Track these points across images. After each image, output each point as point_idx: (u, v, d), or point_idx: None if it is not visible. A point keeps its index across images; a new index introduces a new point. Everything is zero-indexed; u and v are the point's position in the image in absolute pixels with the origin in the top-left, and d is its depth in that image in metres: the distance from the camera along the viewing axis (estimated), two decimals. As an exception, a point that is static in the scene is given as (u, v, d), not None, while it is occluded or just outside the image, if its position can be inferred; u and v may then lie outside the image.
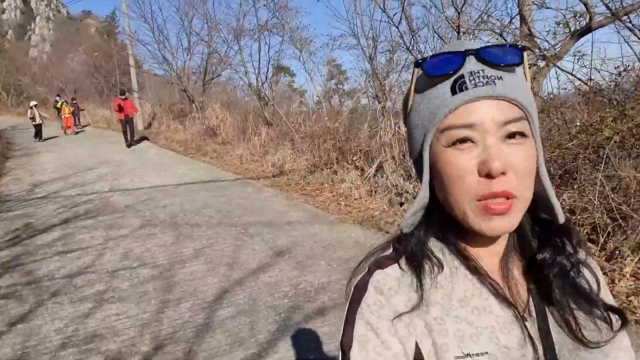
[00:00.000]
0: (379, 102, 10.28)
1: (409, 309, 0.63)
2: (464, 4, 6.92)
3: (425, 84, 0.64)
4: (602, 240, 4.03)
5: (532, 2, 6.60)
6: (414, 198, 5.98)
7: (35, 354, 3.19)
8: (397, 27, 7.98)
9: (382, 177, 6.85)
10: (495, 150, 0.57)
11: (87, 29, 66.86)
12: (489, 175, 0.58)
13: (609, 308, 0.68)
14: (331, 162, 8.16)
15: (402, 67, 9.61)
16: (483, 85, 0.59)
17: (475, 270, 0.66)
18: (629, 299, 3.42)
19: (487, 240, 0.66)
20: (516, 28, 7.29)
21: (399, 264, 0.68)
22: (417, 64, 0.64)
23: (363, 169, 7.41)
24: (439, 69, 0.62)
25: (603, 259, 3.90)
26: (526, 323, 0.64)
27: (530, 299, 0.67)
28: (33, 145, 15.97)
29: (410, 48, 7.84)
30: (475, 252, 0.68)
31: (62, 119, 20.04)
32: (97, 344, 3.28)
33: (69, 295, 4.09)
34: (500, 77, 0.60)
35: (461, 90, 0.59)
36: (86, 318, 3.67)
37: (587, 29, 5.61)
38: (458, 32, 7.66)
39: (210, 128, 14.40)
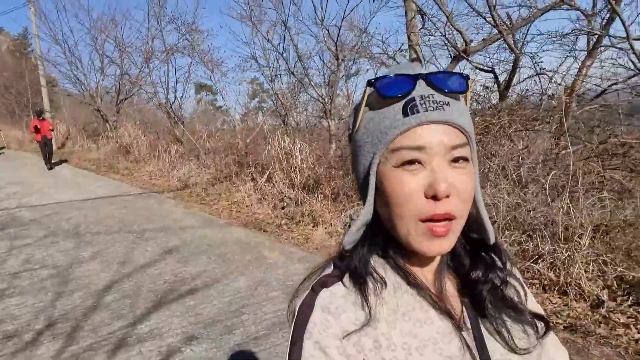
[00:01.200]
0: (282, 120, 11.29)
1: (357, 327, 0.65)
2: (337, 38, 8.05)
3: (376, 104, 0.66)
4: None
5: (419, 29, 7.73)
6: (284, 204, 6.89)
7: (-60, 336, 3.79)
8: (282, 54, 9.02)
9: (271, 186, 7.76)
10: (442, 174, 0.60)
11: (-1, 46, 63.61)
12: (434, 197, 0.60)
13: (535, 316, 0.75)
14: (230, 174, 9.00)
15: (297, 89, 10.66)
16: (433, 110, 0.61)
17: (415, 284, 0.69)
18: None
19: (424, 257, 0.69)
20: (400, 51, 8.52)
21: (342, 282, 0.69)
22: (370, 83, 0.66)
23: (257, 179, 8.30)
24: (392, 90, 0.64)
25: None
26: (463, 333, 0.68)
27: (464, 311, 0.71)
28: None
29: (294, 72, 8.89)
30: (412, 268, 0.71)
31: None
32: (1, 327, 3.93)
33: (-28, 293, 4.65)
34: (448, 102, 0.63)
35: (412, 112, 0.62)
36: (-12, 309, 4.28)
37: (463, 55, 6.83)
38: (337, 59, 8.82)
39: (123, 146, 14.80)
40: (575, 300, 3.68)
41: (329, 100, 8.61)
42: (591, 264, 3.75)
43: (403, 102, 0.63)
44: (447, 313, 0.68)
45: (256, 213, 7.14)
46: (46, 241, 6.33)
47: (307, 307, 0.68)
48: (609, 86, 6.20)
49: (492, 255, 0.75)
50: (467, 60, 6.79)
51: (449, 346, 0.66)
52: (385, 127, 0.63)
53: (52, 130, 15.01)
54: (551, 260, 3.97)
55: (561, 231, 4.09)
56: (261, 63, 11.00)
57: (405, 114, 0.62)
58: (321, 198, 6.57)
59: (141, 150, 13.87)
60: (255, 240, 6.01)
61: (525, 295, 0.77)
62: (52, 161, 14.45)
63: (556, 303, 3.74)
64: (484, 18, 6.33)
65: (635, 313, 3.39)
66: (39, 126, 13.97)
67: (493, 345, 0.69)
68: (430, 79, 0.64)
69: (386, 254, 0.71)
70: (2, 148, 21.66)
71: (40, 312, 4.17)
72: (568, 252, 3.86)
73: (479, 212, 0.69)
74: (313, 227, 6.12)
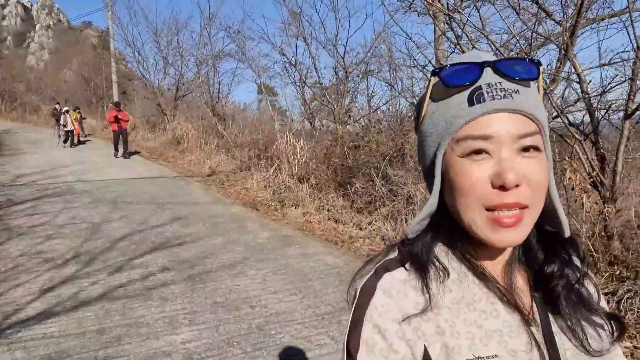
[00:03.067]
0: (309, 122, 12.72)
1: (418, 311, 0.65)
2: (344, 55, 9.39)
3: (441, 93, 0.65)
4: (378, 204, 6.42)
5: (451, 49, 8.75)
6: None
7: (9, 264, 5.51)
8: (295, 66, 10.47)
9: (274, 176, 9.21)
10: (510, 163, 0.59)
11: (87, 40, 69.12)
12: (502, 187, 0.59)
13: (610, 316, 0.71)
14: (250, 165, 10.54)
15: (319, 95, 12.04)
16: (501, 98, 0.60)
17: (482, 275, 0.68)
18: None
19: (493, 249, 0.67)
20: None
21: (405, 267, 0.69)
22: (434, 73, 0.65)
23: (269, 170, 9.78)
24: (457, 79, 0.63)
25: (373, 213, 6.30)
26: (531, 328, 0.66)
27: (534, 306, 0.69)
28: (21, 147, 18.20)
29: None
30: (480, 257, 0.70)
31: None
32: (44, 255, 5.59)
33: (29, 235, 6.40)
34: (517, 90, 0.61)
35: (479, 101, 0.61)
36: (38, 245, 5.98)
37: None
38: (345, 72, 10.14)
39: (175, 138, 16.77)
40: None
41: (336, 106, 9.93)
42: None
43: (469, 90, 0.62)
44: (515, 307, 0.67)
45: (258, 196, 8.61)
46: (90, 206, 8.09)
47: (369, 290, 0.68)
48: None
49: (569, 250, 0.72)
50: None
51: (515, 340, 0.65)
52: (450, 116, 0.63)
53: (127, 121, 15.76)
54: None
55: None
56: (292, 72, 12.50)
57: (471, 102, 0.61)
58: (307, 187, 7.94)
59: (190, 142, 15.74)
60: (246, 215, 7.49)
61: (599, 295, 0.75)
62: (128, 150, 15.24)
63: None
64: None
65: None
66: (119, 116, 14.95)
67: (564, 343, 0.67)
68: (498, 66, 0.63)
69: (452, 243, 0.70)
70: (89, 134, 24.37)
71: (72, 249, 5.80)
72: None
73: (552, 203, 0.67)
74: (295, 208, 7.50)
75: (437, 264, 0.69)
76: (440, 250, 0.71)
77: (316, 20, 10.74)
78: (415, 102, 8.73)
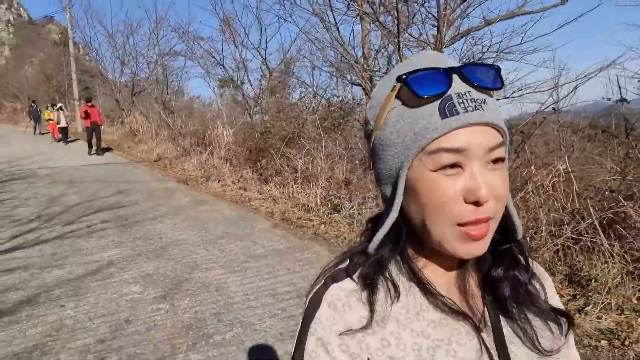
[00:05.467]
0: (248, 114, 14.52)
1: (363, 324, 0.64)
2: (265, 57, 11.26)
3: (407, 101, 0.62)
4: (274, 175, 8.37)
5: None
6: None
7: (-19, 218, 7.26)
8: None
9: (207, 159, 11.08)
10: (482, 178, 0.58)
11: (49, 35, 68.83)
12: (475, 203, 0.59)
13: (558, 312, 0.73)
14: (190, 151, 12.37)
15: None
16: (473, 110, 0.59)
17: (428, 290, 0.67)
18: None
19: (449, 257, 0.66)
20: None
21: (353, 278, 0.68)
22: (400, 79, 0.61)
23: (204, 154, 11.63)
24: (427, 89, 0.60)
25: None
26: (482, 334, 0.66)
27: (486, 310, 0.70)
28: (-14, 142, 19.55)
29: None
30: (434, 266, 0.70)
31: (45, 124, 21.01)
32: (12, 217, 7.35)
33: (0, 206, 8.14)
34: (485, 100, 0.60)
35: (452, 113, 0.58)
36: (7, 212, 7.71)
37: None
38: (269, 71, 12.01)
39: (132, 131, 18.41)
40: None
41: (260, 101, 11.84)
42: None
43: (439, 101, 0.59)
44: (463, 314, 0.67)
45: (191, 175, 10.47)
46: (50, 185, 9.83)
47: (315, 302, 0.68)
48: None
49: (515, 252, 0.72)
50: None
51: (464, 348, 0.65)
52: (420, 128, 0.60)
53: (101, 117, 15.58)
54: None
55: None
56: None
57: (443, 114, 0.59)
58: (229, 165, 9.85)
59: (144, 134, 17.42)
60: (176, 188, 9.39)
61: (545, 292, 0.76)
62: (101, 147, 15.38)
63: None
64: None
65: None
66: (89, 112, 14.74)
67: (517, 346, 0.68)
68: (466, 74, 0.61)
69: (403, 256, 0.69)
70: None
71: (34, 213, 7.57)
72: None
73: (507, 209, 0.67)
74: (217, 182, 9.41)
75: (388, 279, 0.68)
76: (392, 263, 0.69)
77: (245, 27, 12.51)
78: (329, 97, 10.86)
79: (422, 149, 0.60)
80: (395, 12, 6.55)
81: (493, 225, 0.62)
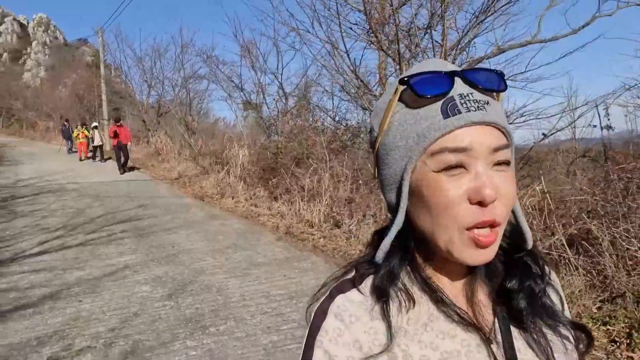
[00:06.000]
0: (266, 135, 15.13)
1: (370, 335, 0.64)
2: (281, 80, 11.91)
3: (410, 103, 0.63)
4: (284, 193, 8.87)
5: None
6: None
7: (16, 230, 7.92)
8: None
9: (225, 178, 11.66)
10: (487, 178, 0.57)
11: (83, 57, 71.47)
12: (480, 203, 0.58)
13: (576, 326, 0.70)
14: (208, 170, 13.00)
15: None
16: (475, 110, 0.59)
17: (438, 298, 0.66)
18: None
19: (457, 265, 0.66)
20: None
21: (359, 289, 0.68)
22: (402, 82, 0.62)
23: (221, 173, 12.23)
24: (430, 89, 0.60)
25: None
26: (492, 346, 0.65)
27: (496, 321, 0.68)
28: (19, 158, 20.58)
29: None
30: (442, 275, 0.69)
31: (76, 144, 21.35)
32: (40, 226, 8.00)
33: (29, 216, 8.81)
34: (487, 102, 0.60)
35: (454, 113, 0.59)
36: (36, 221, 8.37)
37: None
38: (285, 95, 12.62)
39: (156, 150, 19.24)
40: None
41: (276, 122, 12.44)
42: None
43: (441, 101, 0.60)
44: (473, 325, 0.65)
45: (208, 192, 11.06)
46: (77, 198, 10.53)
47: (321, 313, 0.67)
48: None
49: (529, 261, 0.70)
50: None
51: None
52: (423, 128, 0.60)
53: (128, 137, 15.74)
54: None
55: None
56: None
57: (445, 114, 0.59)
58: (243, 183, 10.41)
59: (168, 153, 18.20)
60: (193, 204, 9.97)
61: (563, 305, 0.74)
62: (127, 166, 15.67)
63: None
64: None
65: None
66: (117, 132, 15.03)
67: (529, 358, 0.66)
68: (468, 77, 0.61)
69: (413, 264, 0.68)
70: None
71: (61, 223, 8.20)
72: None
73: (515, 216, 0.67)
74: (231, 199, 9.95)
75: (402, 292, 0.66)
76: (403, 274, 0.68)
77: (263, 53, 13.23)
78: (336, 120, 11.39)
79: (425, 150, 0.60)
80: (397, 43, 7.07)
81: (500, 230, 0.61)
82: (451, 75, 0.61)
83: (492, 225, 0.59)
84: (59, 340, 3.81)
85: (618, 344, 3.51)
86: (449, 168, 0.59)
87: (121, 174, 15.12)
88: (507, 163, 0.60)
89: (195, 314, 4.27)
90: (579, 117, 7.28)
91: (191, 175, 13.36)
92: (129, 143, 15.79)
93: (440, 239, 0.61)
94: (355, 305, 0.66)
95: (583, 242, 4.46)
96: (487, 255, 0.60)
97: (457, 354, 0.63)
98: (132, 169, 16.34)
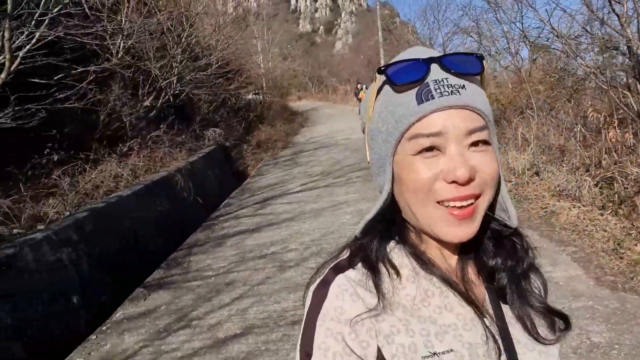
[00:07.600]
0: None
1: (371, 313, 0.66)
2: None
3: (389, 91, 0.66)
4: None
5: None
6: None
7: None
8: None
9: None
10: (460, 159, 0.61)
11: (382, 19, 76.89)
12: (454, 183, 0.61)
13: (554, 313, 0.74)
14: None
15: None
16: (449, 95, 0.62)
17: (433, 271, 0.69)
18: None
19: (445, 244, 0.70)
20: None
21: (356, 268, 0.71)
22: (380, 71, 0.66)
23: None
24: (404, 77, 0.64)
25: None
26: (485, 320, 0.68)
27: (487, 298, 0.72)
28: (319, 120, 24.95)
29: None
30: (432, 254, 0.72)
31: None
32: (307, 173, 10.65)
33: (304, 165, 11.62)
34: (463, 85, 0.63)
35: (427, 99, 0.62)
36: (307, 169, 11.09)
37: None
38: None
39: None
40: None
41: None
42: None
43: (417, 88, 0.63)
44: (468, 300, 0.69)
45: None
46: (341, 151, 13.04)
47: (321, 293, 0.69)
48: None
49: (515, 241, 0.74)
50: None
51: (470, 333, 0.67)
52: (399, 115, 0.64)
53: None
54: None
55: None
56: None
57: (419, 100, 0.62)
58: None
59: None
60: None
61: (546, 289, 0.78)
62: None
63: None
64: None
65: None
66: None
67: (516, 333, 0.70)
68: (443, 62, 0.64)
69: (404, 241, 0.72)
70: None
71: (322, 170, 10.63)
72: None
73: (500, 195, 0.70)
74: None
75: (388, 263, 0.70)
76: (392, 248, 0.71)
77: None
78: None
79: (402, 135, 0.64)
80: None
81: (482, 204, 0.64)
82: (428, 62, 0.64)
83: (474, 197, 0.63)
84: (281, 244, 5.96)
85: None
86: (423, 151, 0.63)
87: None
88: (485, 142, 0.64)
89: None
90: None
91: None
92: None
93: (421, 218, 0.66)
94: (353, 284, 0.69)
95: None
96: (466, 231, 0.64)
97: (454, 327, 0.67)
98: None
